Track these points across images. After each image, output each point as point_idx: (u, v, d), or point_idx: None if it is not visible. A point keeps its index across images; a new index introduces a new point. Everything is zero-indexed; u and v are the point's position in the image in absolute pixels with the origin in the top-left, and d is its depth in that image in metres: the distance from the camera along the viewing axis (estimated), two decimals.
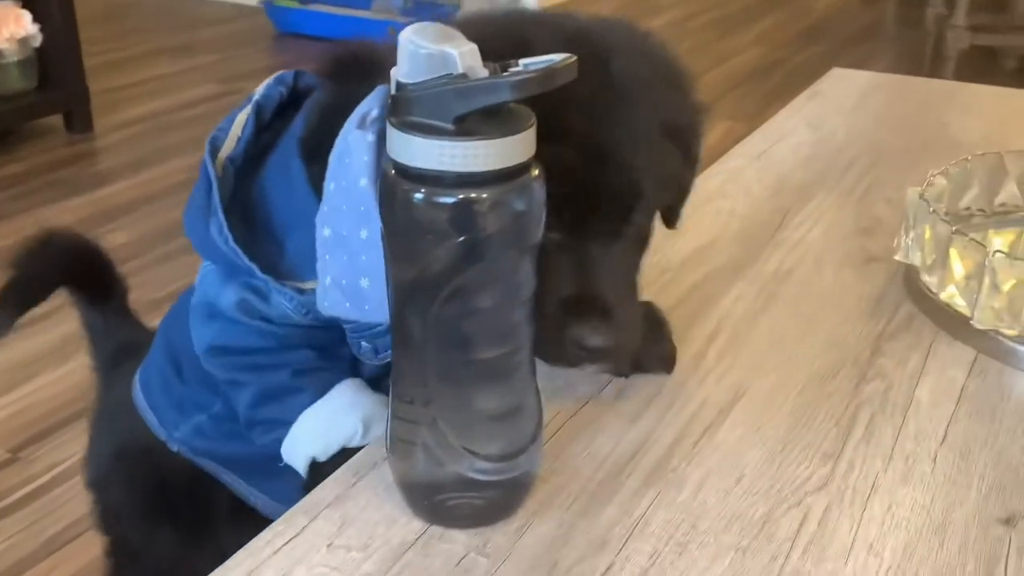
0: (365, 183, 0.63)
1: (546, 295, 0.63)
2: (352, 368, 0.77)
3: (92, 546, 1.46)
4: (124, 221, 2.47)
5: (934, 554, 0.61)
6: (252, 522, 0.66)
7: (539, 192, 0.54)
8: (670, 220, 0.79)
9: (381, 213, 0.55)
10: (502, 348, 0.57)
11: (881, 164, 1.19)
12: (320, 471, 0.72)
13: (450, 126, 0.51)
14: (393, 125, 0.52)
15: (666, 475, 0.67)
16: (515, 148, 0.52)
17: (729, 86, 3.68)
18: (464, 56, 0.51)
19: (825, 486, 0.66)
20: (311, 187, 0.70)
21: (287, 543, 0.61)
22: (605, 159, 0.65)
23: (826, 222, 1.05)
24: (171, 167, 2.86)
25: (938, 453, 0.70)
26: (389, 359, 0.72)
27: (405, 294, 0.56)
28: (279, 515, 0.63)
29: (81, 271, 1.03)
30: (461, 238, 0.53)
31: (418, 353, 0.57)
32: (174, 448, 0.85)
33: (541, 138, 0.54)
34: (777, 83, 3.71)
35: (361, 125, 0.64)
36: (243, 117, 0.76)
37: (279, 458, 0.76)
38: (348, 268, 0.67)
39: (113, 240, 2.29)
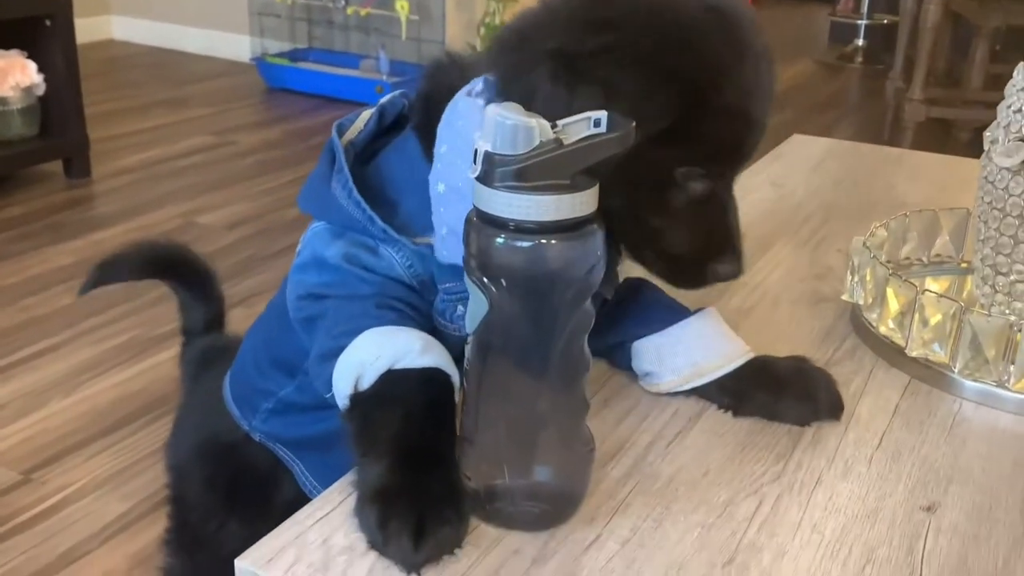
0: (478, 135, 0.73)
1: (690, 234, 0.79)
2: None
3: (104, 560, 1.56)
4: None
5: (866, 533, 0.73)
6: None
7: (601, 236, 0.66)
8: None
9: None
10: (569, 373, 0.69)
11: (833, 220, 1.34)
12: (362, 406, 0.73)
13: (567, 182, 0.63)
14: (512, 189, 0.62)
15: (643, 469, 0.79)
16: (594, 196, 0.65)
17: None
18: (544, 127, 0.63)
19: (778, 479, 0.79)
20: (424, 157, 0.82)
21: (327, 515, 0.72)
22: (753, 124, 0.79)
23: (784, 268, 1.19)
24: (165, 213, 2.99)
25: (873, 456, 0.82)
26: None
27: (500, 324, 0.67)
28: None
29: (178, 270, 1.20)
30: (568, 269, 0.64)
31: (495, 377, 0.68)
32: (256, 437, 0.96)
33: (704, 108, 0.74)
34: None
35: (469, 95, 0.78)
36: (367, 114, 0.87)
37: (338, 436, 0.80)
38: (463, 214, 0.75)
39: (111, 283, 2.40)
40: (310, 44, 4.53)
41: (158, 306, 2.27)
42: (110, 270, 1.15)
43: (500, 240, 0.63)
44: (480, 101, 0.77)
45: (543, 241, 0.63)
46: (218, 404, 1.00)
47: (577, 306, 0.67)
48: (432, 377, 0.75)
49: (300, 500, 0.90)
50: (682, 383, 0.87)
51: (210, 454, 1.03)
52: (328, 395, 0.77)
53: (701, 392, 0.88)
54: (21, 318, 2.31)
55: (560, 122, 0.65)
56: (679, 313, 0.90)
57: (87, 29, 4.79)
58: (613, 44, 0.72)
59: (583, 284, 0.66)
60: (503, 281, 0.64)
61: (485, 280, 0.65)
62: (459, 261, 0.74)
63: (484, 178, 0.63)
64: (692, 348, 0.87)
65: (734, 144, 0.78)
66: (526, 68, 0.73)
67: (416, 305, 0.82)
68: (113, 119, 3.81)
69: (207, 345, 1.18)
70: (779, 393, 0.86)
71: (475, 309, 0.67)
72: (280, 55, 4.47)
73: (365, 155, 0.87)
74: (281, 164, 3.47)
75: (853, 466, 0.81)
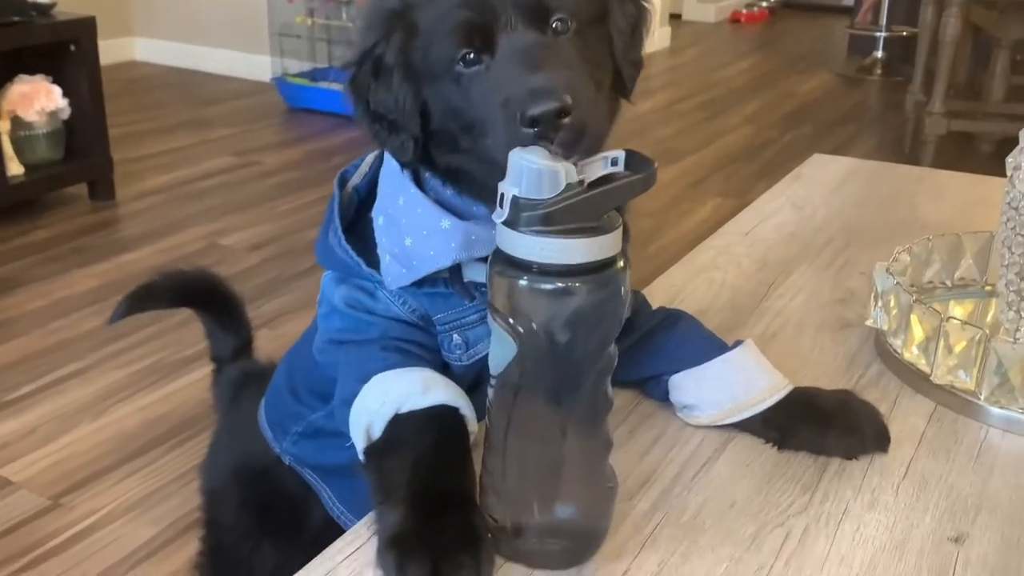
0: (396, 164, 0.83)
1: (489, 114, 0.74)
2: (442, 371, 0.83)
3: None
4: None
5: (894, 566, 0.73)
6: None
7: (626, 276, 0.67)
8: (621, 81, 0.83)
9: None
10: (592, 413, 0.69)
11: (856, 242, 1.34)
12: (376, 455, 0.76)
13: (591, 225, 0.63)
14: (539, 233, 0.62)
15: (670, 501, 0.80)
16: (619, 237, 0.65)
17: (719, 164, 3.86)
18: (570, 170, 0.63)
19: (804, 510, 0.79)
20: None
21: (356, 550, 0.73)
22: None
23: (806, 293, 1.19)
24: (190, 235, 3.01)
25: (900, 485, 0.82)
26: (480, 355, 0.84)
27: (525, 366, 0.67)
28: None
29: (206, 298, 1.22)
30: (594, 310, 0.64)
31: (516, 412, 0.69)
32: (285, 459, 0.97)
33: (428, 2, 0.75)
34: (765, 162, 3.90)
35: None
36: (372, 157, 0.91)
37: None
38: (396, 237, 0.82)
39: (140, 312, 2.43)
40: (330, 64, 4.56)
41: (183, 328, 2.29)
42: (140, 299, 1.17)
43: (524, 283, 0.64)
44: None
45: (569, 284, 0.64)
46: (253, 429, 1.02)
47: (604, 347, 0.67)
48: (438, 415, 0.77)
49: (330, 525, 0.94)
50: (723, 417, 0.88)
51: (245, 478, 1.05)
52: (350, 444, 0.79)
53: (743, 426, 0.88)
54: (49, 342, 2.33)
55: (579, 163, 0.65)
56: (717, 346, 0.90)
57: (110, 50, 4.85)
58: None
59: (609, 324, 0.67)
60: (526, 324, 0.65)
61: (510, 322, 0.66)
62: (403, 281, 0.81)
63: (511, 222, 0.64)
64: (733, 383, 0.87)
65: (462, 17, 0.76)
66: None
67: (422, 342, 0.85)
68: (136, 141, 3.85)
69: (241, 371, 1.20)
70: (825, 427, 0.86)
71: (499, 350, 0.68)
72: (300, 75, 4.51)
73: (371, 198, 0.89)
74: (302, 184, 3.49)
75: (880, 496, 0.81)
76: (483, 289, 0.83)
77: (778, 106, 4.79)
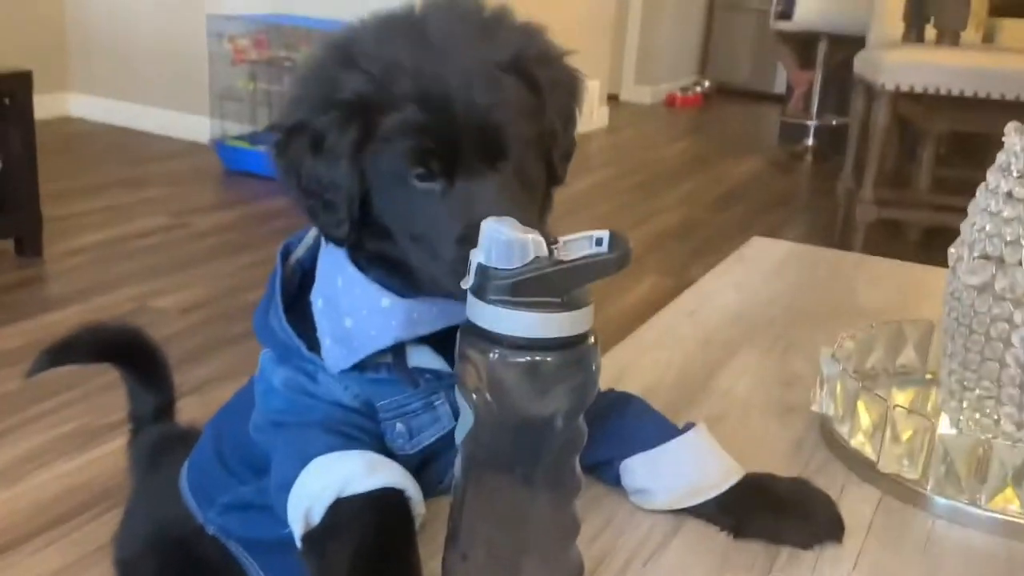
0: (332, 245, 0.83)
1: (442, 241, 0.74)
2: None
3: None
4: None
5: None
6: None
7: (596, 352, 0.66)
8: (553, 172, 0.83)
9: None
10: (560, 493, 0.68)
11: (797, 325, 1.35)
12: (316, 541, 0.74)
13: (559, 300, 0.62)
14: (506, 304, 0.62)
15: None
16: (590, 314, 0.65)
17: (655, 243, 3.91)
18: (539, 243, 0.63)
19: None
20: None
21: None
22: (445, 104, 0.74)
23: (751, 375, 1.19)
24: (120, 295, 2.93)
25: None
26: (423, 445, 0.82)
27: (489, 440, 0.66)
28: None
29: (128, 354, 1.17)
30: (560, 386, 0.64)
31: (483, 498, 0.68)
32: (209, 529, 0.92)
33: (386, 109, 0.74)
34: (700, 242, 3.96)
35: None
36: (316, 230, 0.87)
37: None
38: (335, 319, 0.81)
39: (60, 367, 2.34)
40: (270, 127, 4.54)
41: (107, 393, 2.20)
42: (59, 354, 1.12)
43: (493, 355, 0.63)
44: None
45: (536, 358, 0.63)
46: (171, 495, 0.97)
47: (568, 424, 0.66)
48: (382, 498, 0.75)
49: None
50: (678, 502, 0.86)
51: (161, 548, 1.00)
52: (287, 531, 0.76)
53: (696, 511, 0.87)
54: None
55: (561, 239, 0.65)
56: (668, 430, 0.89)
57: (44, 105, 4.76)
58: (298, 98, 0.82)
59: (575, 402, 0.66)
60: (496, 399, 0.64)
61: (483, 396, 0.64)
62: (344, 364, 0.79)
63: (477, 291, 0.63)
64: (686, 467, 0.86)
65: (437, 141, 0.75)
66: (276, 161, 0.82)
67: (365, 427, 0.82)
68: (68, 197, 3.76)
69: (161, 434, 1.15)
70: (781, 515, 0.85)
71: (465, 422, 0.67)
72: (240, 137, 4.48)
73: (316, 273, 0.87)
74: (238, 247, 3.44)
75: None
76: (428, 376, 0.82)
77: (712, 187, 4.89)
